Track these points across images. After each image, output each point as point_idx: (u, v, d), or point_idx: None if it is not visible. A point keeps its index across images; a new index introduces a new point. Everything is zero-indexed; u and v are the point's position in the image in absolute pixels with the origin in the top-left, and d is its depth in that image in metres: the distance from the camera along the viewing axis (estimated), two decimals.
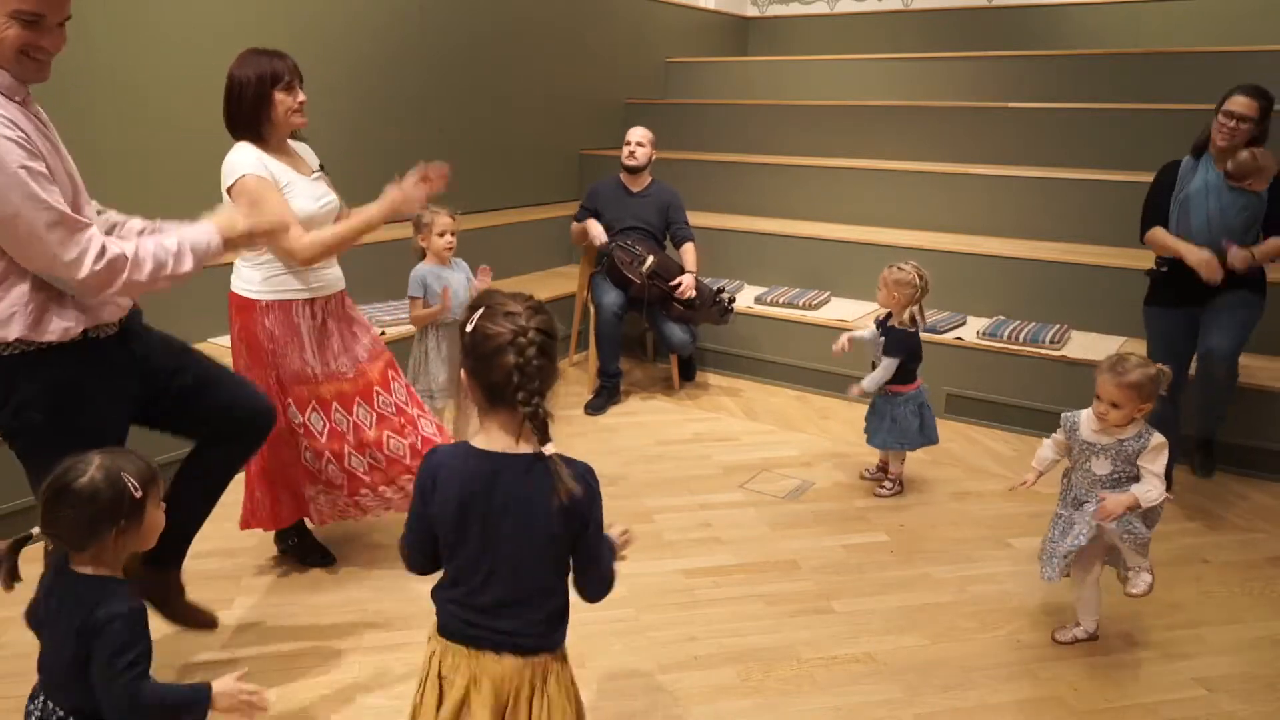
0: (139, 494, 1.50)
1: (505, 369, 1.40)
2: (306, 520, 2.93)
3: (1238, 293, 3.26)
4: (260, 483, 2.79)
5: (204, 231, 1.93)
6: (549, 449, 1.44)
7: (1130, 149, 5.07)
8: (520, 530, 1.47)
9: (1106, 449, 2.41)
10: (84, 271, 1.73)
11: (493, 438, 1.48)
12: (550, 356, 1.45)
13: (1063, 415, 2.55)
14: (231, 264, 2.72)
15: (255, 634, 2.57)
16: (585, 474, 1.52)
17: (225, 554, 3.00)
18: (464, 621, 1.51)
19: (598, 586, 1.59)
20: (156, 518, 1.57)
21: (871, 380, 3.39)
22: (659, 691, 2.35)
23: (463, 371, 1.49)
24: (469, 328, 1.45)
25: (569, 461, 1.49)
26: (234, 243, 1.99)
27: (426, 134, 5.12)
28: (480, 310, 1.45)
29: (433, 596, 1.56)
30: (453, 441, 1.57)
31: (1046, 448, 2.61)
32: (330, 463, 2.71)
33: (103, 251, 1.75)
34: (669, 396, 4.68)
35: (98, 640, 1.46)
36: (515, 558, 1.48)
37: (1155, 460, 2.36)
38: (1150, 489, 2.34)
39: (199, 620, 2.35)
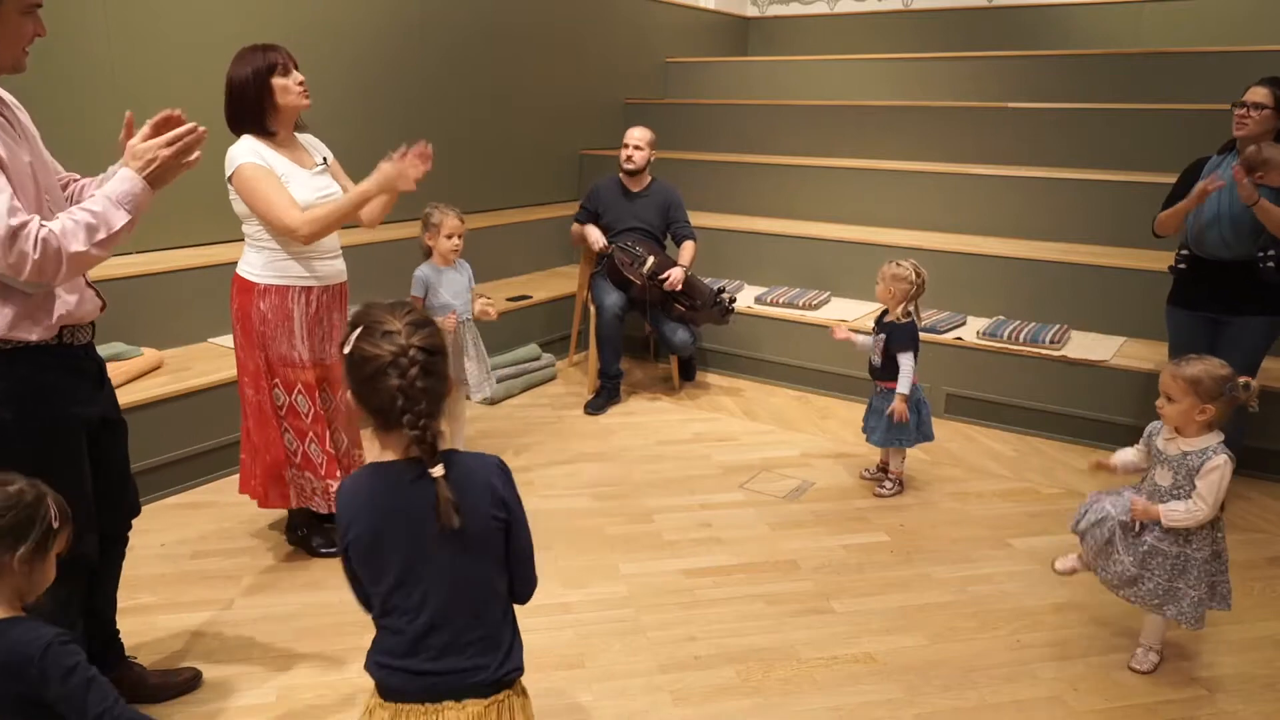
0: (56, 523, 1.46)
1: (389, 392, 1.33)
2: (314, 509, 2.95)
3: (1258, 318, 3.22)
4: (251, 456, 2.85)
5: (124, 180, 1.82)
6: (437, 471, 1.36)
7: (1130, 149, 5.07)
8: (433, 543, 1.39)
9: (1170, 460, 2.31)
10: (27, 270, 1.70)
11: (388, 455, 1.41)
12: (437, 374, 1.37)
13: (1150, 424, 2.44)
14: (234, 259, 2.74)
15: (255, 634, 2.57)
16: (493, 469, 1.44)
17: (225, 554, 3.00)
18: (410, 674, 1.43)
19: (526, 584, 1.53)
20: (50, 564, 1.49)
21: (904, 384, 3.35)
22: (659, 691, 2.35)
23: (349, 395, 1.40)
24: (347, 349, 1.37)
25: (475, 458, 1.43)
26: (157, 172, 1.83)
27: (427, 134, 5.10)
28: (358, 330, 1.36)
29: (368, 666, 1.48)
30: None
31: (1130, 451, 2.48)
32: (313, 442, 2.79)
33: (38, 241, 1.70)
34: (669, 396, 4.68)
35: (43, 673, 1.39)
36: (437, 576, 1.41)
37: (1206, 480, 2.22)
38: (1176, 509, 2.24)
39: (180, 686, 2.31)
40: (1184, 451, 2.28)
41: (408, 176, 2.63)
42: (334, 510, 2.86)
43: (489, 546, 1.44)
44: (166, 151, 1.82)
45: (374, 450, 1.45)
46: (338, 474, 2.83)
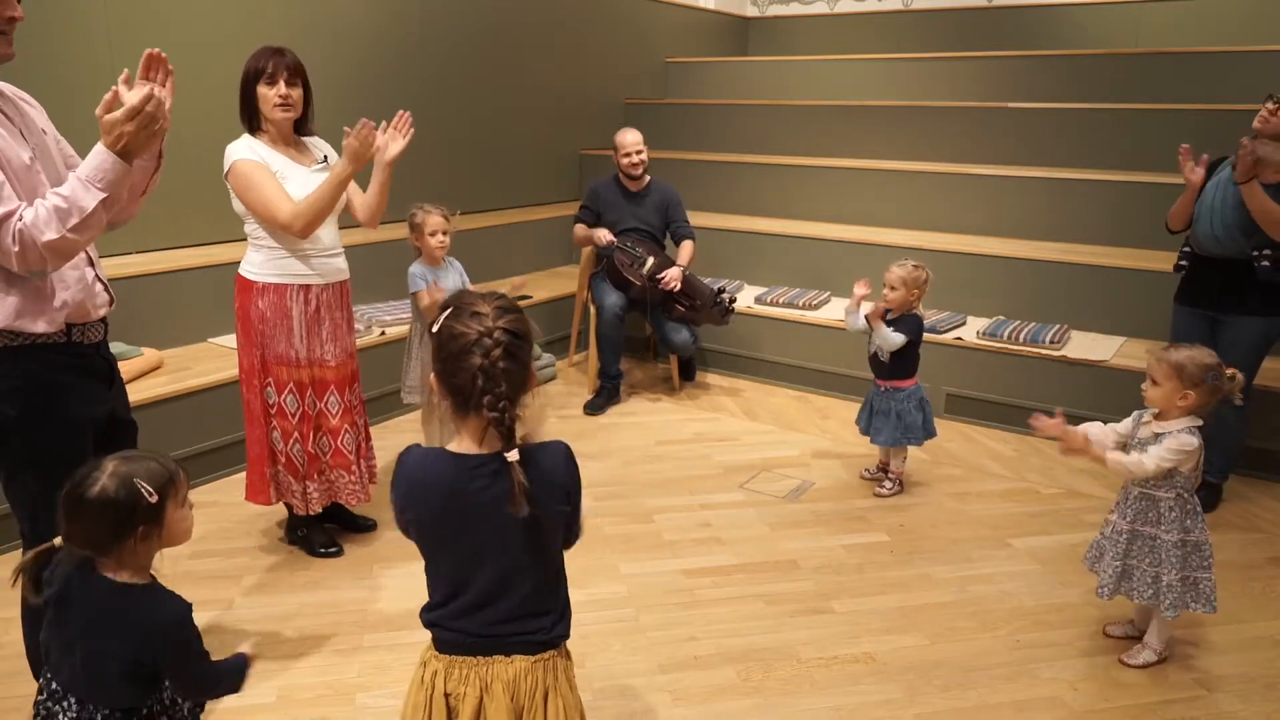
0: (154, 499, 1.49)
1: (469, 371, 1.35)
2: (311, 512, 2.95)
3: (1253, 319, 3.21)
4: (251, 459, 2.89)
5: (94, 155, 1.73)
6: (512, 456, 1.36)
7: (1130, 149, 5.07)
8: (500, 531, 1.41)
9: (1143, 443, 2.36)
10: (14, 263, 1.69)
11: (465, 443, 1.43)
12: (519, 359, 1.38)
13: (1137, 411, 2.46)
14: (235, 259, 2.75)
15: (255, 634, 2.57)
16: (562, 460, 1.46)
17: (225, 554, 3.00)
18: (463, 633, 1.47)
19: (570, 542, 1.56)
20: (181, 518, 1.56)
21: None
22: (659, 691, 2.35)
23: (432, 376, 1.43)
24: (435, 328, 1.40)
25: (543, 448, 1.44)
26: (127, 145, 1.71)
27: (428, 134, 5.10)
28: (448, 310, 1.40)
29: (422, 620, 1.51)
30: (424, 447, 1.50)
31: (1108, 432, 2.46)
32: (296, 443, 2.82)
33: (16, 234, 1.68)
34: (669, 396, 4.68)
35: (173, 642, 1.51)
36: (501, 559, 1.44)
37: (1163, 444, 2.26)
38: (1121, 455, 2.28)
39: None
40: (1156, 434, 2.34)
41: (368, 144, 2.60)
42: (311, 512, 2.88)
43: (552, 533, 1.48)
44: (129, 127, 1.69)
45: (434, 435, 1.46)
46: (315, 475, 2.86)
